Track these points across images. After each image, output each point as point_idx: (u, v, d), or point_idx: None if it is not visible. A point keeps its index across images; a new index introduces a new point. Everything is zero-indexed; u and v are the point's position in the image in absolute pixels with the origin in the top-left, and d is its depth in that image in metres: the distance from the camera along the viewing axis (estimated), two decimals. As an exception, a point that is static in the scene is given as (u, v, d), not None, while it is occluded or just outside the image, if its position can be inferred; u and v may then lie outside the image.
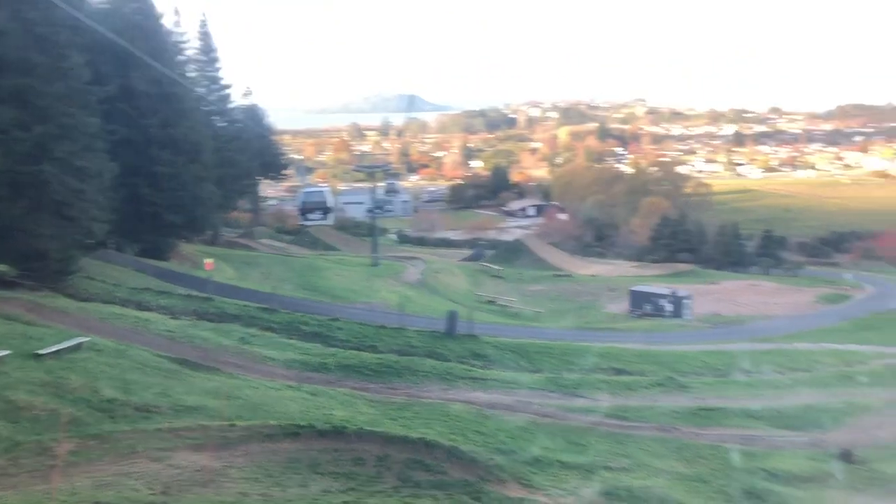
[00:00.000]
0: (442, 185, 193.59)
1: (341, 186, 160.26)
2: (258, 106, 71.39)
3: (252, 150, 63.24)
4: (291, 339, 27.87)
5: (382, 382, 23.84)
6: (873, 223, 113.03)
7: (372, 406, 20.79)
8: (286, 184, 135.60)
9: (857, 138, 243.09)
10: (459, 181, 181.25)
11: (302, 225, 64.86)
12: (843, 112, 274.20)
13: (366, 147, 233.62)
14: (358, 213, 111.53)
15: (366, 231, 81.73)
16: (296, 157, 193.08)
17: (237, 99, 66.58)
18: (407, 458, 17.05)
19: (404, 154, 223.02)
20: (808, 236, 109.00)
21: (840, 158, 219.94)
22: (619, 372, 29.55)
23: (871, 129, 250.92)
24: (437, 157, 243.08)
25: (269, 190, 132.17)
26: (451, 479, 16.64)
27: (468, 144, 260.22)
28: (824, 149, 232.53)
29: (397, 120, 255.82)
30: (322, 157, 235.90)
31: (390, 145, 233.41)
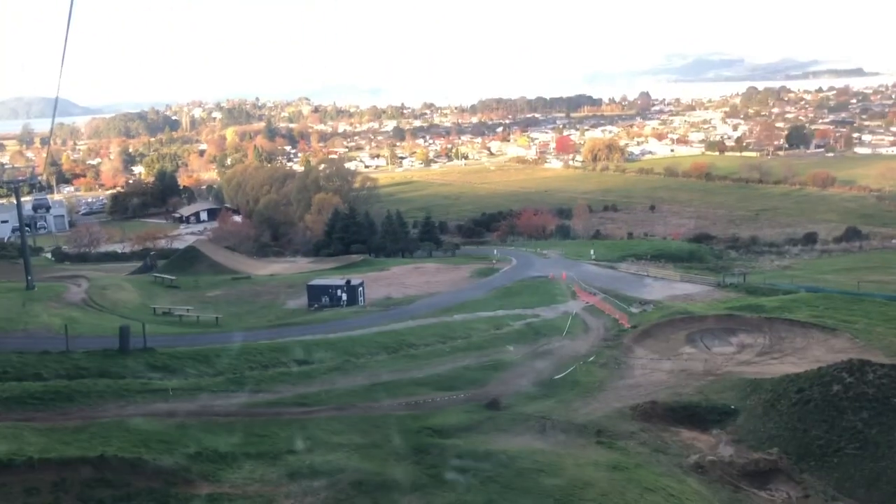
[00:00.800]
0: (101, 194, 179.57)
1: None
2: None
3: None
4: (-63, 380, 25.03)
5: (52, 409, 22.69)
6: (514, 203, 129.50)
7: (41, 435, 19.87)
8: None
9: (499, 129, 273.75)
10: (121, 189, 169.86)
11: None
12: (485, 106, 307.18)
13: (4, 159, 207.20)
14: (2, 232, 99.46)
15: (14, 252, 73.43)
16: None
17: None
18: (87, 478, 16.94)
19: (53, 164, 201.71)
20: (463, 219, 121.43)
21: (486, 148, 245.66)
22: (299, 363, 31.15)
23: (509, 121, 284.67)
24: (94, 165, 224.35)
25: None
26: (136, 490, 16.94)
27: (128, 149, 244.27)
28: (472, 139, 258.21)
29: (41, 126, 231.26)
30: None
31: (35, 155, 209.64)
